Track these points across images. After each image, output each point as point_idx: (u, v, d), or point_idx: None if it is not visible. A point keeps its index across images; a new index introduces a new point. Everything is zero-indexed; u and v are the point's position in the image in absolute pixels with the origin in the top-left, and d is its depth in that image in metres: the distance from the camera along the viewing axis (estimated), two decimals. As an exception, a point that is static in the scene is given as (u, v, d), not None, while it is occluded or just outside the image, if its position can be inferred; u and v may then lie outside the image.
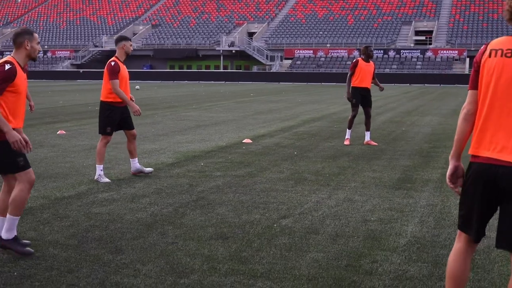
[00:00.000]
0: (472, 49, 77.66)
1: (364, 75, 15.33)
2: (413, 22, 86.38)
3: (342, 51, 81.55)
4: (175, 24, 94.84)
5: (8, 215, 6.37)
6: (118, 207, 8.61)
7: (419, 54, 79.63)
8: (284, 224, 7.73)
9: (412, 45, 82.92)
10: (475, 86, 4.21)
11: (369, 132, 15.62)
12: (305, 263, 6.21)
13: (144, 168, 11.26)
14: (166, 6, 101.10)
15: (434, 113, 26.33)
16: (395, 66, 77.61)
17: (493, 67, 4.05)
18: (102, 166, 10.56)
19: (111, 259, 6.31)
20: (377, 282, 5.67)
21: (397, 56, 79.71)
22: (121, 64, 10.59)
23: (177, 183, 10.32)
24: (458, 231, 4.38)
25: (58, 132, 17.59)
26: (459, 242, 4.37)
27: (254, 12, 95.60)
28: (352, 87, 15.39)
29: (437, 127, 20.17)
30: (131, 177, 10.88)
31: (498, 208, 4.17)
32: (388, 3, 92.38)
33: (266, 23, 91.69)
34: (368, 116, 15.48)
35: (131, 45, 10.78)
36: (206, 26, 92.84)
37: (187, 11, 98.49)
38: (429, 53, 79.43)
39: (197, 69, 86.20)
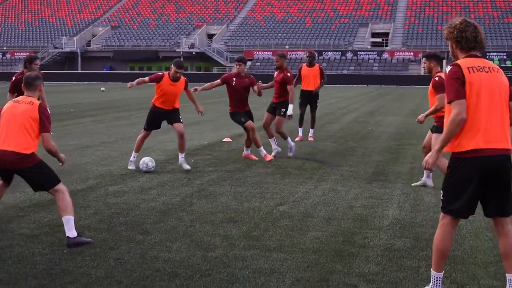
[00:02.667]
0: (427, 50, 79.72)
1: (308, 79, 16.99)
2: (370, 24, 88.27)
3: (300, 52, 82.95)
4: (135, 26, 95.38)
5: (67, 217, 7.22)
6: (131, 197, 9.70)
7: (375, 55, 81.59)
8: (282, 210, 8.92)
9: (369, 46, 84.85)
10: (464, 96, 5.28)
11: (312, 130, 17.42)
12: (308, 239, 7.40)
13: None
14: (125, 8, 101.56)
15: (395, 113, 27.79)
16: (352, 68, 79.39)
17: (477, 81, 5.26)
18: (184, 154, 12.45)
19: (142, 239, 7.41)
20: (371, 253, 6.88)
21: (354, 57, 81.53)
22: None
23: (176, 177, 11.43)
24: (442, 214, 5.54)
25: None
26: (446, 222, 5.51)
27: (213, 14, 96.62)
28: (301, 89, 17.17)
29: (400, 126, 21.56)
30: (132, 172, 11.94)
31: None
32: (345, 5, 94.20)
33: (225, 25, 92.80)
34: (312, 116, 17.11)
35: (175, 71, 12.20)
36: (165, 28, 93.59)
37: (146, 12, 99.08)
38: (385, 55, 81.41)
39: (158, 71, 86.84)
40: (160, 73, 12.36)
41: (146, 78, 12.30)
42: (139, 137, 12.54)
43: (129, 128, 20.19)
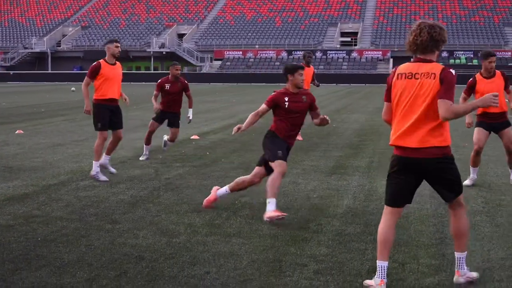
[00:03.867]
0: (395, 49, 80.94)
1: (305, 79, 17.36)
2: (339, 24, 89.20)
3: (270, 52, 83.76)
4: (105, 26, 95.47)
5: None
6: (101, 191, 10.21)
7: (345, 55, 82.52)
8: (244, 200, 9.49)
9: (338, 46, 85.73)
10: (389, 100, 5.95)
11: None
12: (266, 226, 7.97)
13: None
14: (95, 8, 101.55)
15: (361, 111, 28.51)
16: (322, 67, 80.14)
17: (400, 87, 5.81)
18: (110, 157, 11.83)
19: (111, 228, 7.94)
20: (323, 238, 7.48)
21: (324, 57, 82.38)
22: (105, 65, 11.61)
23: (144, 172, 11.97)
24: (385, 206, 6.10)
25: (16, 132, 18.88)
26: (385, 213, 6.09)
27: (184, 14, 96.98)
28: None
29: (364, 123, 22.24)
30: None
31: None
32: (315, 5, 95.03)
33: (195, 24, 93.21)
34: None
35: (116, 46, 11.60)
36: (136, 28, 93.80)
37: (117, 12, 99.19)
38: (354, 54, 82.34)
39: (128, 71, 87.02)
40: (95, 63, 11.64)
41: (87, 81, 11.58)
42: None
43: (100, 127, 20.60)
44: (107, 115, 11.56)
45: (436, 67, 5.79)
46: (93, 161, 11.44)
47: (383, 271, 5.89)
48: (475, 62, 79.76)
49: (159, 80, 14.13)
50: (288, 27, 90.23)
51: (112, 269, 6.33)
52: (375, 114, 25.72)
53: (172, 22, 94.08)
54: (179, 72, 13.89)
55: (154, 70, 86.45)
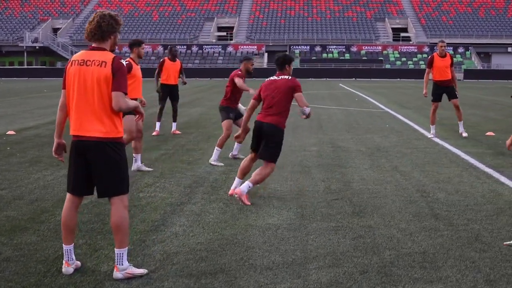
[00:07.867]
0: (270, 44, 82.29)
1: (170, 73, 17.28)
2: (216, 18, 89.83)
3: (146, 47, 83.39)
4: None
5: None
6: None
7: (220, 49, 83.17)
8: (-1, 194, 9.64)
9: (214, 40, 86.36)
10: (65, 87, 6.10)
11: (175, 123, 17.88)
12: (4, 216, 8.17)
13: None
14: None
15: (203, 104, 28.99)
16: (197, 61, 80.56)
17: (73, 73, 6.07)
18: None
19: None
20: (43, 227, 7.71)
21: (200, 51, 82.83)
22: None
23: None
24: (67, 193, 6.28)
25: None
26: (66, 199, 6.22)
27: (59, 8, 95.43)
28: (161, 83, 17.44)
29: (197, 117, 22.67)
30: None
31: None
32: (192, 0, 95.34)
33: (71, 19, 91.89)
34: (175, 109, 17.74)
35: None
36: (9, 22, 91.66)
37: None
38: (230, 48, 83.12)
39: (1, 66, 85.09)
40: None
41: None
42: None
43: None
44: None
45: (107, 56, 6.00)
46: None
47: (68, 254, 6.15)
48: (347, 56, 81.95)
49: None
50: (165, 21, 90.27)
51: None
52: (213, 108, 26.18)
53: (47, 16, 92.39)
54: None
55: (28, 65, 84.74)
